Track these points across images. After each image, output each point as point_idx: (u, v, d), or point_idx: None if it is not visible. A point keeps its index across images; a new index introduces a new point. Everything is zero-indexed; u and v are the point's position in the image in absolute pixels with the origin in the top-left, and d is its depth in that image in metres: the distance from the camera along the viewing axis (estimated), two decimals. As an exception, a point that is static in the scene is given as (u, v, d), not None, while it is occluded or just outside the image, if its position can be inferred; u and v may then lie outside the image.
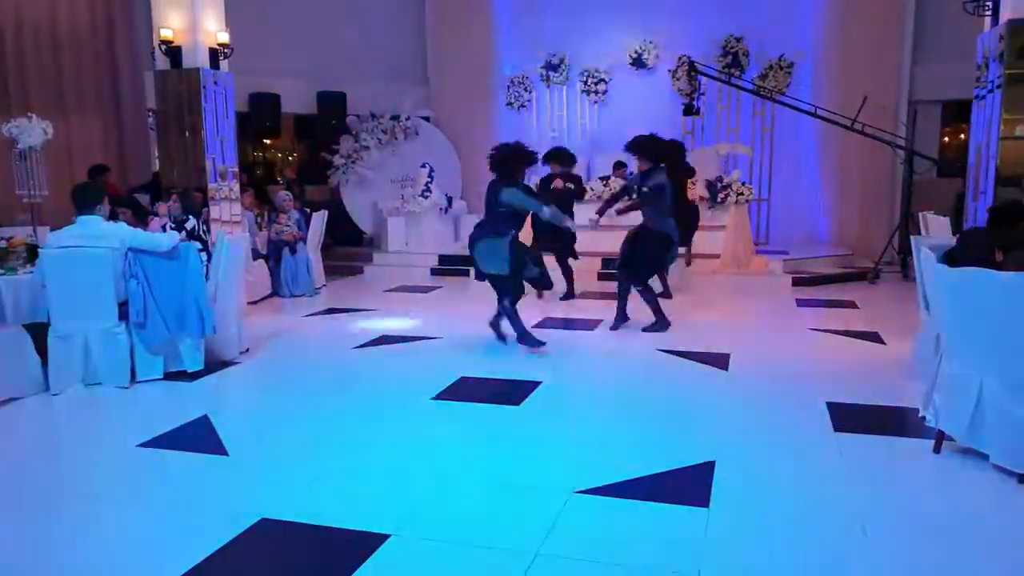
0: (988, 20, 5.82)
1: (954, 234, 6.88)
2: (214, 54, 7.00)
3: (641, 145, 6.34)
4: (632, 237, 6.42)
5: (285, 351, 6.00)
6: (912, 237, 5.12)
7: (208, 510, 3.15)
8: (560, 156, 8.09)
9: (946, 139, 11.53)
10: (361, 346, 6.04)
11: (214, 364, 5.32)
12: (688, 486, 3.31)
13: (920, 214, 7.41)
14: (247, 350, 5.82)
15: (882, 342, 5.97)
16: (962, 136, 12.08)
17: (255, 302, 7.96)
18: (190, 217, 5.57)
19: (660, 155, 6.35)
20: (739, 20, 11.01)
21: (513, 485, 3.36)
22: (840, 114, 9.31)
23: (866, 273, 9.24)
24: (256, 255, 8.28)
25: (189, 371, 5.05)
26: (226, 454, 3.74)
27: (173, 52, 6.71)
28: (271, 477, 3.47)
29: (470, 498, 3.25)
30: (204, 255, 5.72)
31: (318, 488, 3.34)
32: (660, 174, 6.21)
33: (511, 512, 3.12)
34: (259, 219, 8.83)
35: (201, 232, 5.64)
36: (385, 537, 2.87)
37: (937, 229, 7.04)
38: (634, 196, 6.50)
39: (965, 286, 3.44)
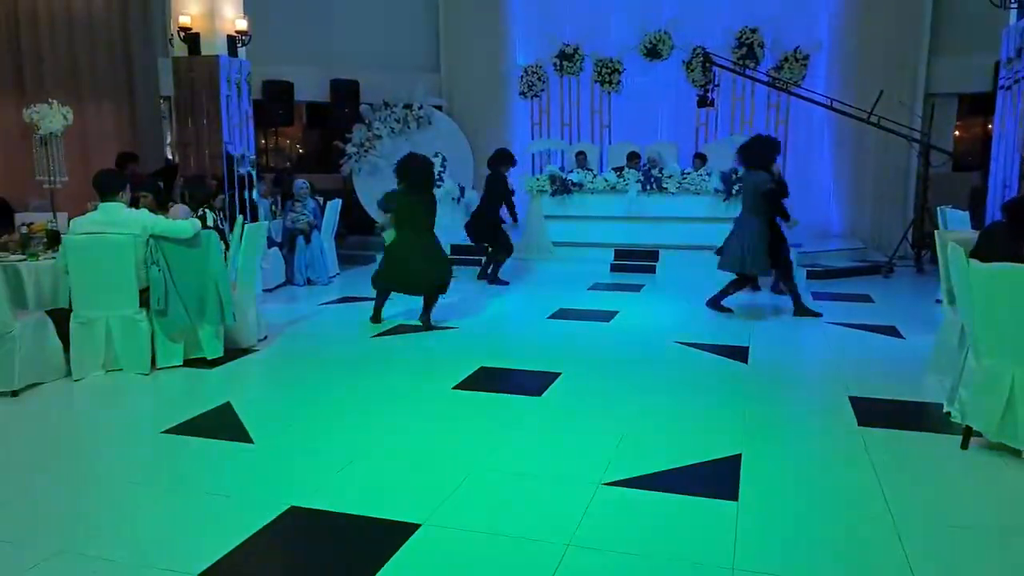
0: (1014, 12, 5.75)
1: (973, 228, 6.85)
2: (232, 41, 6.97)
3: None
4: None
5: (303, 339, 6.01)
6: (936, 231, 5.09)
7: (237, 498, 3.15)
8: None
9: (958, 132, 11.45)
10: (378, 335, 6.04)
11: (233, 351, 5.33)
12: (716, 479, 3.31)
13: (938, 208, 7.36)
14: (265, 338, 5.83)
15: (900, 336, 5.95)
16: (977, 130, 12.01)
17: (270, 290, 7.97)
18: (206, 211, 5.55)
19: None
20: (755, 11, 10.92)
21: (540, 476, 3.36)
22: (856, 107, 9.24)
23: (880, 267, 9.20)
24: (271, 243, 8.27)
25: (209, 358, 5.05)
26: (251, 441, 3.74)
27: (191, 39, 6.67)
28: (298, 465, 3.48)
29: (498, 488, 3.25)
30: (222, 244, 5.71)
31: (346, 476, 3.35)
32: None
33: (540, 503, 3.11)
34: (274, 207, 8.82)
35: (219, 222, 5.63)
36: (416, 527, 2.87)
37: (955, 223, 7.00)
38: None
39: (997, 281, 3.42)
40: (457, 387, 4.61)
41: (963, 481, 3.35)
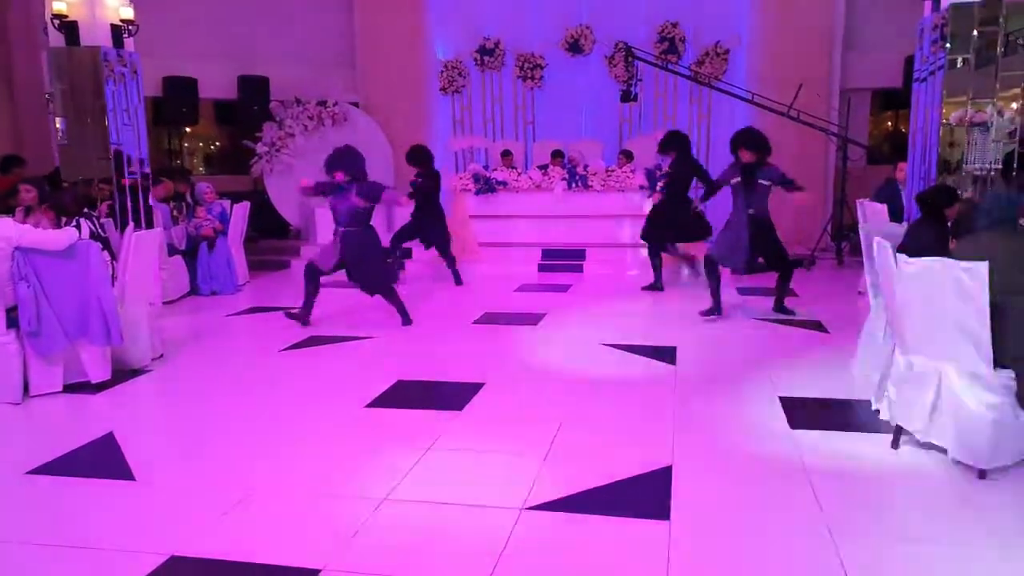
0: (928, 5, 5.77)
1: (891, 221, 6.92)
2: (116, 31, 6.38)
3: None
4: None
5: (204, 355, 5.53)
6: (860, 225, 5.04)
7: (108, 550, 2.74)
8: None
9: (871, 127, 11.73)
10: (288, 348, 5.62)
11: (123, 373, 4.84)
12: (647, 497, 3.08)
13: (858, 202, 7.41)
14: (161, 356, 5.34)
15: (825, 331, 5.91)
16: (889, 124, 12.34)
17: (171, 301, 7.41)
18: (80, 221, 5.00)
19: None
20: (675, 5, 10.89)
21: (458, 504, 3.06)
22: (775, 101, 9.28)
23: (802, 260, 9.26)
24: (172, 251, 7.71)
25: (93, 382, 4.55)
26: (132, 479, 3.32)
27: (68, 28, 6.06)
28: (184, 505, 3.08)
29: (411, 522, 2.93)
30: (107, 255, 5.20)
31: (238, 517, 2.97)
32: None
33: (457, 536, 2.82)
34: (175, 212, 8.23)
35: (99, 230, 5.09)
36: (315, 573, 2.54)
37: (875, 216, 7.06)
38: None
39: (924, 276, 3.31)
40: (370, 405, 4.26)
41: (895, 483, 3.23)
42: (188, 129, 11.66)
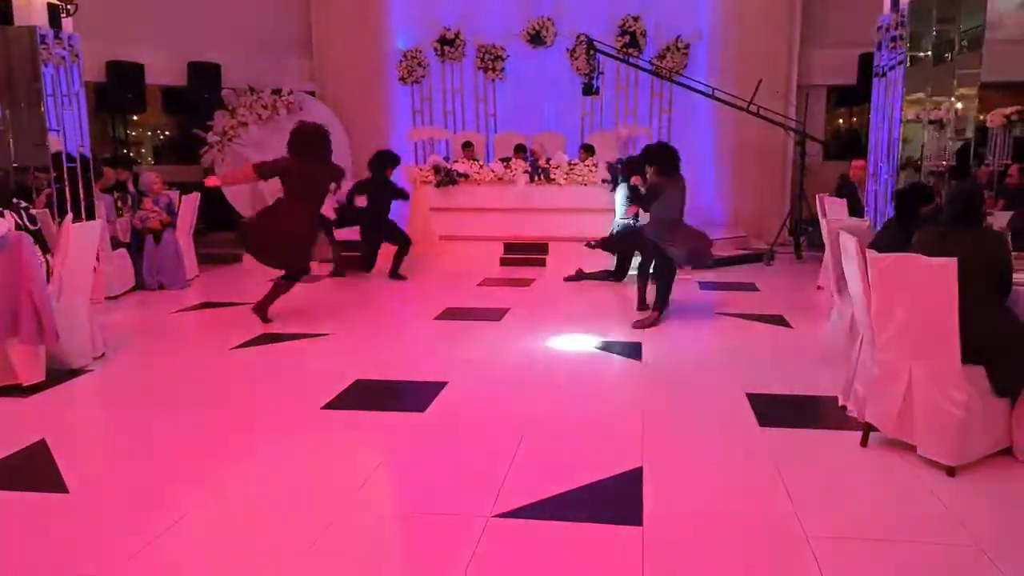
0: (888, 2, 5.78)
1: (851, 216, 6.95)
2: (53, 11, 6.02)
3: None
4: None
5: (149, 354, 5.25)
6: (823, 220, 5.02)
7: (38, 571, 2.51)
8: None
9: (826, 123, 11.85)
10: (239, 346, 5.38)
11: (59, 374, 4.54)
12: (618, 500, 2.97)
13: (818, 196, 7.44)
14: (102, 355, 5.05)
15: (788, 325, 5.89)
16: (840, 121, 12.49)
17: (115, 297, 7.07)
18: (3, 212, 4.67)
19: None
20: (637, -1, 10.83)
21: (422, 511, 2.90)
22: (736, 96, 9.29)
23: (762, 255, 9.31)
24: (117, 244, 7.36)
25: (24, 384, 4.26)
26: (65, 491, 3.07)
27: (1, 6, 5.70)
28: (122, 521, 2.85)
29: (370, 533, 2.77)
30: (37, 248, 4.87)
31: (179, 532, 2.76)
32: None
33: (420, 548, 2.67)
34: (119, 203, 7.86)
35: (26, 223, 4.77)
36: (266, 592, 2.36)
37: (834, 211, 7.08)
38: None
39: (893, 272, 3.26)
40: (327, 406, 4.06)
41: (865, 481, 3.17)
42: (136, 117, 11.19)
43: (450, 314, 6.40)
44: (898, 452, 3.37)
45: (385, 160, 8.16)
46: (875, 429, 3.47)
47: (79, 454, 3.46)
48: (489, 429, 3.75)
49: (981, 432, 3.12)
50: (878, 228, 4.55)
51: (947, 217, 3.37)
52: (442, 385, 4.38)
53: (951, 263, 3.01)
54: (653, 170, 6.08)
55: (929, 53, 5.47)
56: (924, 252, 3.19)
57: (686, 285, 7.67)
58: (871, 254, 3.37)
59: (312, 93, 11.15)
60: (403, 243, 8.15)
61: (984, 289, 3.17)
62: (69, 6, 5.91)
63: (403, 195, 8.31)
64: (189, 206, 8.15)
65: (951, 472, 3.12)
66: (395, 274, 8.10)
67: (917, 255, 3.19)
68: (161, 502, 2.97)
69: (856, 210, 7.15)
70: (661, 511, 2.87)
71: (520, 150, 9.90)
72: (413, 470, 3.29)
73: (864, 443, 3.49)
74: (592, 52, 9.65)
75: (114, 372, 4.80)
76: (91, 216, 6.44)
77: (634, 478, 3.15)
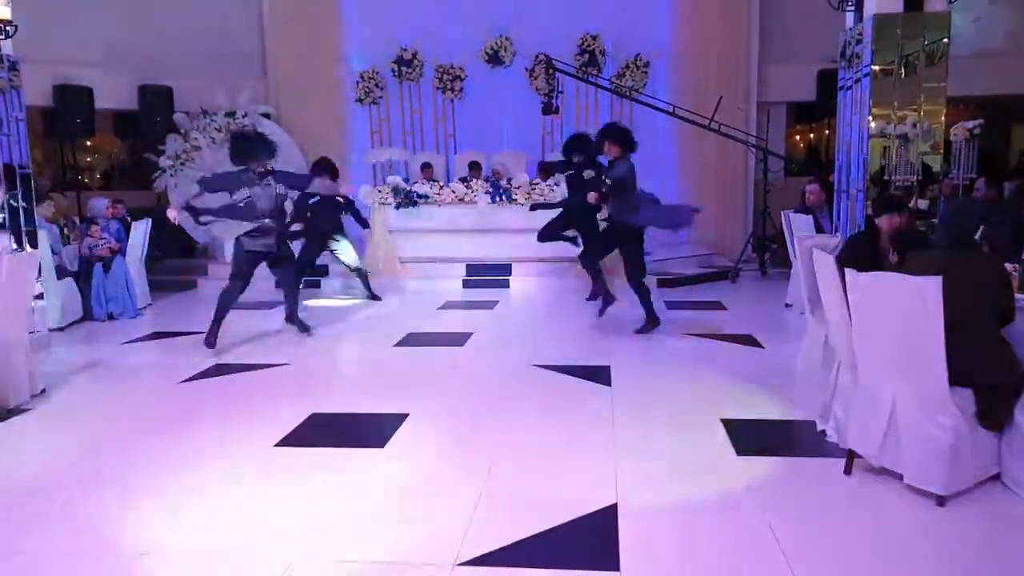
0: (851, 16, 5.77)
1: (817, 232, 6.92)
2: (-9, 32, 5.73)
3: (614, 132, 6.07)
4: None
5: (93, 390, 4.94)
6: (795, 237, 4.94)
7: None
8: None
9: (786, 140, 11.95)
10: (190, 379, 5.09)
11: (-9, 415, 4.23)
12: (592, 541, 2.78)
13: (783, 213, 7.41)
14: (42, 391, 4.74)
15: (759, 345, 5.79)
16: (803, 137, 12.63)
17: (62, 328, 6.72)
18: None
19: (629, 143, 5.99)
20: (594, 18, 10.81)
21: (379, 561, 2.67)
22: (696, 113, 9.28)
23: (727, 272, 9.27)
24: (63, 273, 7.01)
25: (-48, 429, 3.94)
26: (-13, 550, 2.79)
27: (-69, 27, 5.40)
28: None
29: (325, 586, 2.54)
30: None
31: (116, 592, 2.50)
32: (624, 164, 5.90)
33: (379, 602, 2.45)
34: (65, 230, 7.51)
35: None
36: (207, 664, 2.12)
37: (800, 227, 7.05)
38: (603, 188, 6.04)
39: (873, 291, 3.15)
40: (280, 443, 3.81)
41: (850, 512, 3.03)
42: (89, 143, 10.83)
43: (412, 340, 6.18)
44: (885, 480, 3.23)
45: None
46: (859, 456, 3.34)
47: (9, 504, 3.15)
48: (452, 465, 3.54)
49: (971, 458, 3.00)
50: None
51: (942, 239, 3.26)
52: (403, 417, 4.16)
53: (935, 281, 2.89)
54: (615, 150, 5.92)
55: (893, 67, 5.46)
56: (911, 272, 3.06)
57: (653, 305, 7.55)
58: (850, 274, 3.26)
59: (267, 115, 10.89)
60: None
61: (976, 314, 3.05)
62: (8, 27, 5.62)
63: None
64: (140, 232, 7.83)
65: (941, 502, 2.99)
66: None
67: (898, 274, 3.08)
68: (97, 556, 2.69)
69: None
70: (639, 553, 2.69)
71: (476, 168, 9.77)
72: (372, 513, 3.06)
73: (848, 471, 3.35)
74: (551, 71, 9.58)
75: (54, 411, 4.49)
76: (34, 245, 6.11)
77: (608, 516, 2.97)
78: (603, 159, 6.58)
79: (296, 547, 2.75)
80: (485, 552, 2.69)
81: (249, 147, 5.75)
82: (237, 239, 5.88)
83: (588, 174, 6.96)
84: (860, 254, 3.83)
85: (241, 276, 5.80)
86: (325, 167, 7.46)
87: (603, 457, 3.57)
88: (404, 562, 2.65)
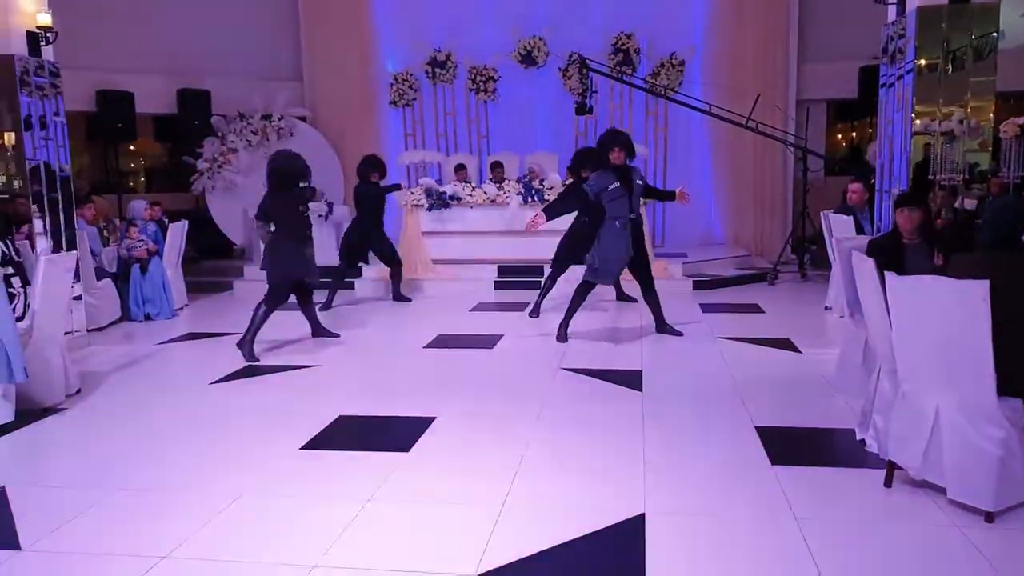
0: (893, 9, 5.57)
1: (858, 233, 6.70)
2: (33, 39, 5.84)
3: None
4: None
5: (127, 390, 5.00)
6: (834, 239, 4.78)
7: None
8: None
9: (826, 139, 11.65)
10: (221, 379, 5.12)
11: (29, 413, 4.30)
12: (618, 556, 2.70)
13: (822, 214, 7.20)
14: (78, 391, 4.81)
15: (797, 350, 5.62)
16: (845, 135, 12.31)
17: (101, 328, 6.83)
18: None
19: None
20: (629, 16, 10.67)
21: (398, 569, 2.63)
22: (733, 112, 9.10)
23: (765, 274, 9.07)
24: (102, 274, 7.14)
25: (-9, 426, 4.01)
26: (18, 548, 2.80)
27: (-22, 35, 5.53)
28: (73, 582, 2.59)
29: (344, 595, 2.50)
30: (18, 280, 4.67)
31: (136, 596, 2.50)
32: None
33: (397, 613, 2.40)
34: (105, 232, 7.66)
35: (12, 253, 4.56)
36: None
37: (841, 228, 6.84)
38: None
39: (916, 295, 3.00)
40: (305, 447, 3.80)
41: (890, 528, 2.89)
42: (132, 147, 11.05)
43: (441, 341, 6.15)
44: (928, 494, 3.08)
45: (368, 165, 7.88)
46: (899, 468, 3.20)
47: (39, 504, 3.18)
48: (477, 471, 3.48)
49: (1021, 472, 2.83)
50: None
51: (987, 240, 3.10)
52: (429, 421, 4.12)
53: (982, 285, 2.74)
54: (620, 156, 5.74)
55: (939, 62, 5.26)
56: (956, 275, 2.91)
57: (687, 307, 7.43)
58: (890, 276, 3.12)
59: (303, 118, 10.99)
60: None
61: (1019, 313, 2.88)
62: (48, 34, 5.73)
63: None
64: (176, 234, 7.94)
65: (990, 518, 2.83)
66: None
67: (942, 277, 2.93)
68: (120, 559, 2.69)
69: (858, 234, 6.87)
70: (665, 567, 2.59)
71: (496, 167, 9.75)
72: (393, 520, 3.01)
73: (888, 483, 3.21)
74: (585, 71, 9.48)
75: (88, 411, 4.55)
76: (72, 247, 6.22)
77: (635, 528, 2.88)
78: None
79: (313, 553, 2.71)
80: (506, 563, 2.63)
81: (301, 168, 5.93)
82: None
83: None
84: (881, 255, 3.69)
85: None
86: (374, 165, 7.78)
87: (631, 465, 3.48)
88: (421, 571, 2.60)
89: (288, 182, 5.85)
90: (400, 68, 11.22)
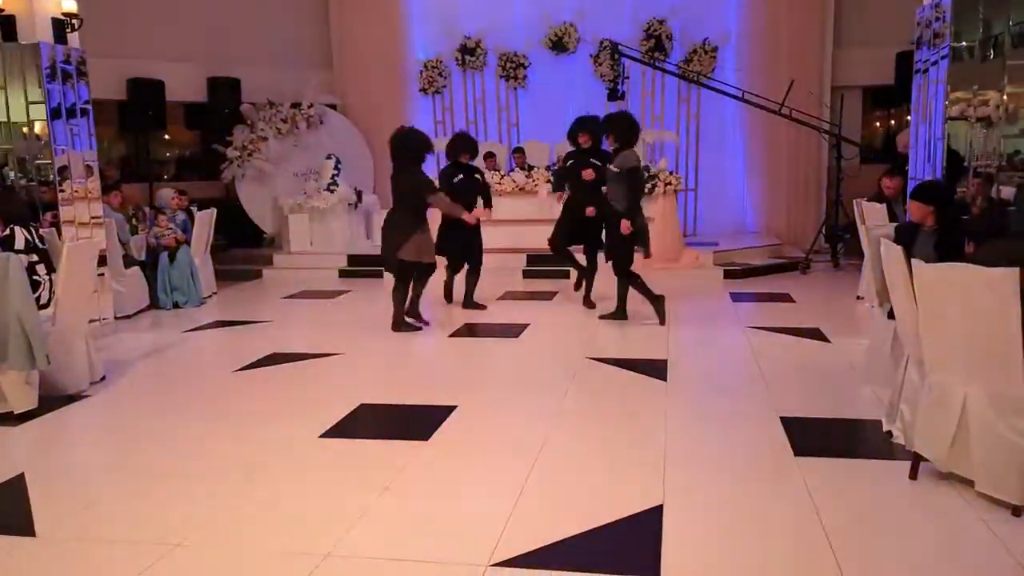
0: (929, -9, 5.39)
1: (892, 222, 6.52)
2: (58, 26, 5.91)
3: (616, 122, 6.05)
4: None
5: (151, 378, 5.07)
6: (862, 227, 4.65)
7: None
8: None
9: (862, 126, 11.35)
10: (245, 367, 5.16)
11: (54, 400, 4.36)
12: (633, 545, 2.66)
13: (855, 202, 7.00)
14: (102, 378, 4.87)
15: (826, 339, 5.50)
16: (881, 122, 11.98)
17: (129, 316, 6.94)
18: (15, 230, 4.52)
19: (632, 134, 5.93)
20: (660, 2, 10.49)
21: (412, 560, 2.61)
22: (766, 98, 8.90)
23: (797, 263, 8.89)
24: (130, 262, 7.24)
25: (16, 412, 4.07)
26: (32, 534, 2.84)
27: (5, 22, 5.61)
28: (87, 566, 2.62)
29: (356, 581, 2.49)
30: (43, 268, 4.72)
31: (153, 578, 2.51)
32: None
33: (408, 600, 2.38)
34: (134, 220, 7.76)
35: (36, 240, 4.63)
36: (230, 657, 2.09)
37: (874, 216, 6.66)
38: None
39: (944, 284, 2.90)
40: (325, 434, 3.80)
41: (916, 521, 2.81)
42: (167, 136, 11.20)
43: (467, 330, 6.13)
44: (953, 486, 2.99)
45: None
46: (925, 459, 3.10)
47: (56, 491, 3.23)
48: (496, 460, 3.45)
49: (1052, 467, 2.73)
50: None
51: (1019, 228, 2.99)
52: (451, 409, 4.10)
53: (1012, 273, 2.64)
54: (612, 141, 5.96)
55: (976, 47, 5.07)
56: (984, 263, 2.80)
57: (716, 296, 7.32)
58: (917, 264, 3.01)
59: (333, 106, 11.02)
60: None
61: None
62: (73, 20, 5.79)
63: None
64: (204, 222, 8.02)
65: (1017, 512, 2.74)
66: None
67: (971, 265, 2.82)
68: (134, 546, 2.72)
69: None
70: (682, 561, 2.54)
71: (518, 152, 9.63)
72: (410, 508, 3.00)
73: (913, 476, 3.12)
74: (616, 57, 9.35)
75: (111, 398, 4.61)
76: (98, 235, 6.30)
77: (653, 518, 2.83)
78: (604, 146, 6.52)
79: (330, 541, 2.71)
80: (521, 552, 2.60)
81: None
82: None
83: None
84: (899, 239, 3.58)
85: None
86: (465, 146, 7.09)
87: (653, 455, 3.42)
88: (436, 560, 2.58)
89: (416, 155, 5.90)
90: (430, 55, 11.20)
